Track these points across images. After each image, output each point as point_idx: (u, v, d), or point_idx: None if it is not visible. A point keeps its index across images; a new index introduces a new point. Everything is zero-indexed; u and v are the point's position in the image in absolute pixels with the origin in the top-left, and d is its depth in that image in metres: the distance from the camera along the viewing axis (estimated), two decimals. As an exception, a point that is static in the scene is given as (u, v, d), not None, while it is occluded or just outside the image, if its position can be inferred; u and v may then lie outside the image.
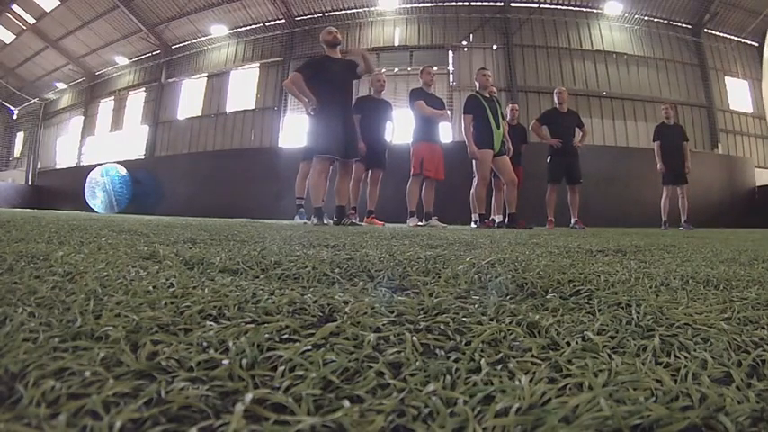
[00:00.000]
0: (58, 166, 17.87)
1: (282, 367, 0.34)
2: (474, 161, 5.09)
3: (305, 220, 4.86)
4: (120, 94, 17.54)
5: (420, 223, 5.10)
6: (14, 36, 16.92)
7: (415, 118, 5.33)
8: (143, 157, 15.20)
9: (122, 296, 0.55)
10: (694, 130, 13.28)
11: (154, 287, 0.62)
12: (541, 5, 13.50)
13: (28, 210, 8.18)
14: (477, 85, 5.27)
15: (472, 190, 5.38)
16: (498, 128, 5.04)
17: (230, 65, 15.57)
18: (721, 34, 14.11)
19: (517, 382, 0.32)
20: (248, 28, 15.37)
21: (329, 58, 4.45)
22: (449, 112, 5.58)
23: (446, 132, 12.62)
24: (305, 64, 4.55)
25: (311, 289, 0.67)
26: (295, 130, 13.96)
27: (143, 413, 0.27)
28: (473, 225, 5.30)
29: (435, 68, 4.55)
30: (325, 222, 4.19)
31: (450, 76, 13.03)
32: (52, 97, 19.87)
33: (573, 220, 5.60)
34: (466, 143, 5.08)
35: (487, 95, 5.16)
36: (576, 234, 3.14)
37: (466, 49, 13.16)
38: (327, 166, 4.26)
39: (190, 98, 15.94)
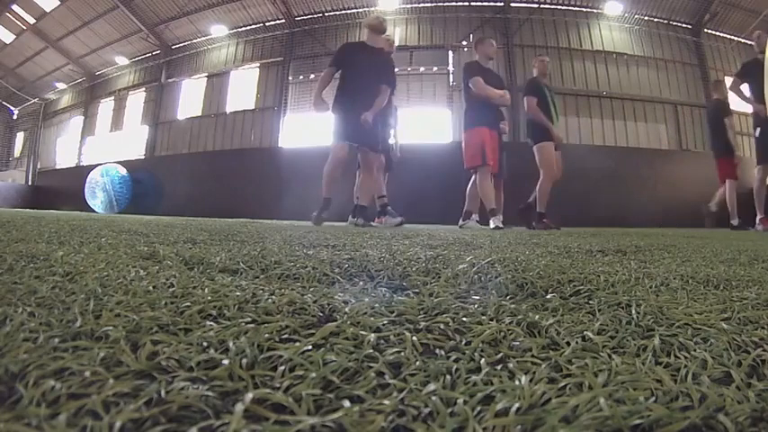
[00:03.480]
0: (58, 166, 17.86)
1: (282, 367, 0.34)
2: (537, 154, 4.59)
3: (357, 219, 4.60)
4: (120, 94, 17.54)
5: (498, 224, 4.23)
6: (14, 36, 16.91)
7: (468, 99, 4.64)
8: (143, 157, 15.20)
9: (122, 296, 0.55)
10: (694, 130, 13.28)
11: (154, 287, 0.62)
12: (541, 5, 13.50)
13: (28, 210, 8.18)
14: (536, 71, 4.84)
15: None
16: (558, 119, 4.66)
17: (230, 65, 15.56)
18: (721, 34, 14.10)
19: (517, 382, 0.32)
20: (248, 28, 15.36)
21: (363, 45, 4.22)
22: (507, 94, 4.67)
23: (445, 128, 12.61)
24: (336, 53, 4.28)
25: (311, 289, 0.67)
26: (295, 130, 13.97)
27: (143, 413, 0.27)
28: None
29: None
30: (359, 222, 3.90)
31: (450, 76, 13.03)
32: (52, 97, 19.86)
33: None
34: (534, 123, 4.58)
35: (547, 83, 4.72)
36: (577, 234, 3.14)
37: (466, 50, 13.14)
38: (344, 154, 3.99)
39: (190, 98, 15.94)
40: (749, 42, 14.06)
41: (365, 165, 4.12)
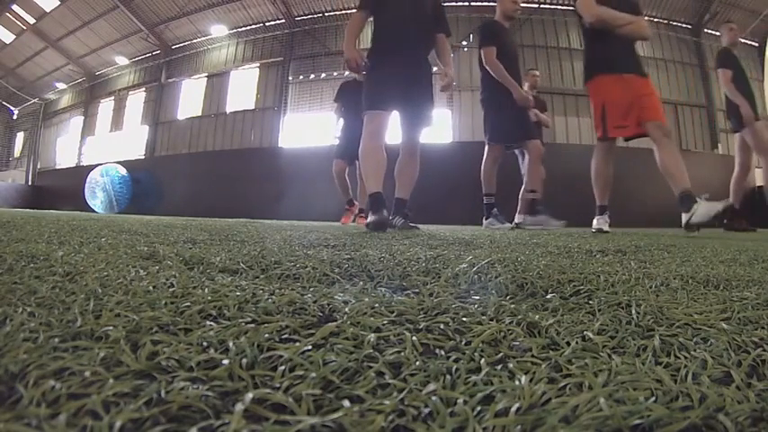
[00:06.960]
0: (58, 166, 17.88)
1: (282, 367, 0.34)
2: (752, 138, 3.93)
3: (501, 224, 3.84)
4: (120, 94, 17.55)
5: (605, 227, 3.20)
6: (14, 36, 16.94)
7: (584, 35, 3.18)
8: (143, 157, 15.21)
9: (122, 296, 0.55)
10: (694, 130, 13.29)
11: (154, 287, 0.62)
12: (541, 5, 13.51)
13: (28, 210, 8.18)
14: (726, 39, 4.21)
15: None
16: (753, 95, 4.00)
17: (230, 65, 15.57)
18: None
19: (517, 382, 0.32)
20: (248, 28, 15.38)
21: None
22: (643, 20, 3.07)
23: (446, 128, 12.63)
24: None
25: (311, 289, 0.67)
26: (295, 130, 13.96)
27: (143, 413, 0.27)
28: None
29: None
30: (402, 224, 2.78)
31: (450, 76, 13.02)
32: (52, 97, 19.87)
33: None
34: (730, 102, 3.94)
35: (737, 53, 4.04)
36: (577, 234, 3.14)
37: (466, 50, 13.15)
38: (380, 124, 2.79)
39: (190, 98, 15.96)
40: (750, 42, 14.10)
41: (411, 150, 2.96)
